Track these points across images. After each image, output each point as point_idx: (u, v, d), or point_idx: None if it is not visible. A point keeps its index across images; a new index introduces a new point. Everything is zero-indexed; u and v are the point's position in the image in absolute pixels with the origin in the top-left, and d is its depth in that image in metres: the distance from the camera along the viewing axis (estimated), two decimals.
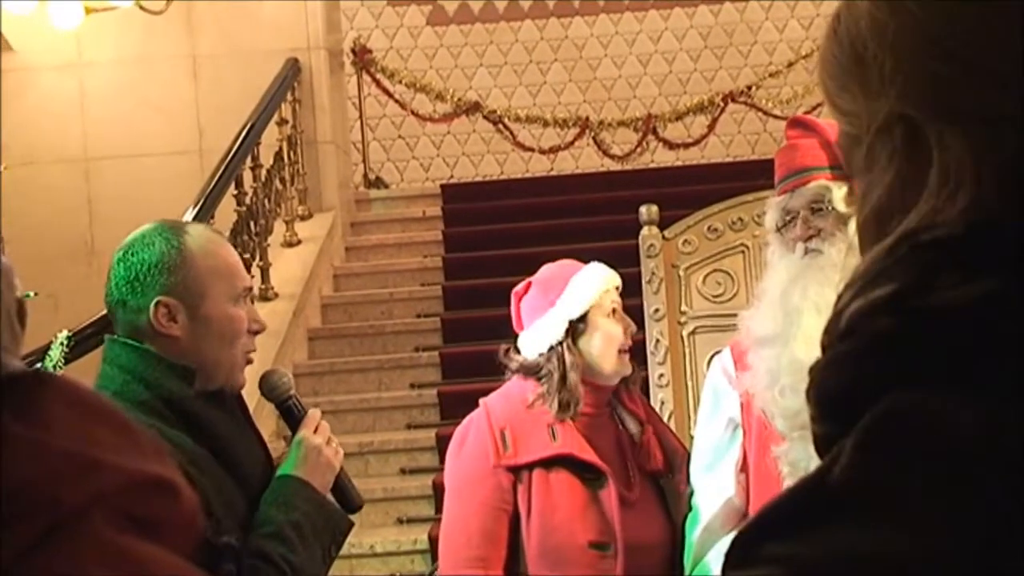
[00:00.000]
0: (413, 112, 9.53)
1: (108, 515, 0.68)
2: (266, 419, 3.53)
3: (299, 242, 7.08)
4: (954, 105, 0.82)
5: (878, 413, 0.76)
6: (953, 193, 0.81)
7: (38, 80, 7.37)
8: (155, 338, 2.03)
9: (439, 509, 3.10)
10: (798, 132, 2.46)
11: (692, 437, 2.69)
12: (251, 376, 2.18)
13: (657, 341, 3.82)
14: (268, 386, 2.18)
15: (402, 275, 7.39)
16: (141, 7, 7.01)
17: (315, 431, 2.14)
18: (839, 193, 2.29)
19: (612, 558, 2.49)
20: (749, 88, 9.78)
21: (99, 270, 2.16)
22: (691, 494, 2.53)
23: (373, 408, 6.12)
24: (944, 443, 0.74)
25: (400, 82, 9.41)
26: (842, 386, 0.80)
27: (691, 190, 6.92)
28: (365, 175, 9.08)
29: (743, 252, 3.84)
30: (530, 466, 2.55)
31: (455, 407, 5.16)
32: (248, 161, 6.46)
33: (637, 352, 2.87)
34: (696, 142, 9.75)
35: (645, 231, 3.93)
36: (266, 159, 6.73)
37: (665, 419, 3.45)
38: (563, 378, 2.59)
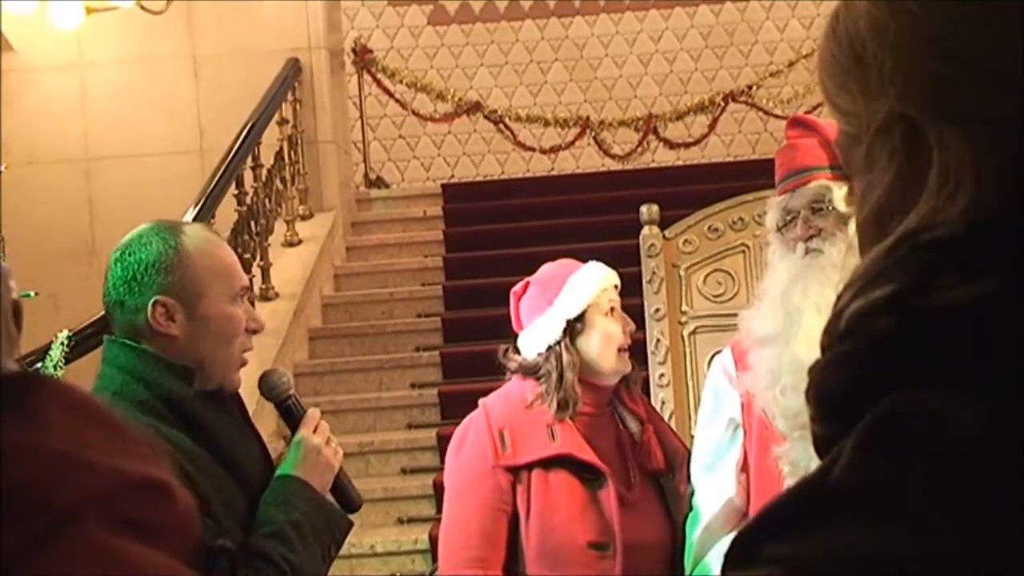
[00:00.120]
0: (414, 112, 9.53)
1: (101, 517, 0.68)
2: (266, 419, 3.53)
3: (300, 242, 7.08)
4: (954, 105, 0.82)
5: (878, 413, 0.76)
6: (953, 193, 0.81)
7: (39, 80, 7.37)
8: (153, 338, 2.03)
9: (440, 509, 3.11)
10: (798, 132, 2.46)
11: (693, 437, 2.69)
12: (251, 376, 2.18)
13: (658, 341, 3.82)
14: (267, 386, 2.18)
15: (403, 275, 7.39)
16: (142, 7, 7.01)
17: (314, 431, 2.14)
18: (839, 193, 2.29)
19: (611, 558, 2.49)
20: (750, 88, 9.78)
21: (100, 270, 2.16)
22: (692, 494, 2.53)
23: (374, 408, 6.12)
24: (944, 443, 0.74)
25: (401, 82, 9.41)
26: (842, 386, 0.80)
27: (692, 190, 6.92)
28: (366, 175, 9.08)
29: (744, 252, 3.84)
30: (529, 466, 2.55)
31: (456, 407, 5.15)
32: (249, 161, 6.46)
33: (637, 352, 2.87)
34: (697, 142, 9.75)
35: (646, 231, 3.93)
36: (267, 159, 6.73)
37: (666, 419, 3.45)
38: (560, 378, 2.59)
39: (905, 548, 0.72)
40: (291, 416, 2.18)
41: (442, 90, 9.61)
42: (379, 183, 9.13)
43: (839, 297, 0.84)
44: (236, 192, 6.22)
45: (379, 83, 9.30)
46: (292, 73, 7.23)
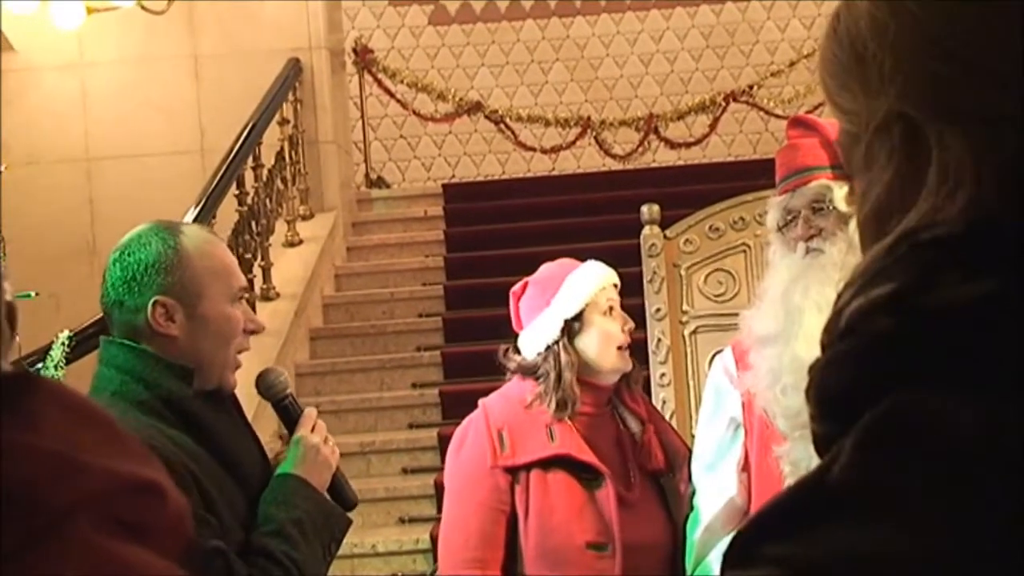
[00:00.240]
0: (415, 112, 9.52)
1: (95, 518, 0.68)
2: (268, 420, 3.53)
3: (301, 242, 7.08)
4: (954, 105, 0.82)
5: (878, 413, 0.76)
6: (952, 192, 0.81)
7: (40, 80, 7.38)
8: (152, 338, 2.03)
9: (441, 509, 3.10)
10: (799, 132, 2.46)
11: (694, 436, 2.69)
12: (251, 376, 2.18)
13: (659, 341, 3.82)
14: (265, 385, 2.18)
15: (404, 275, 7.39)
16: (143, 7, 7.01)
17: (311, 430, 2.15)
18: (840, 192, 2.29)
19: (610, 558, 2.49)
20: (751, 87, 9.77)
21: (101, 270, 2.16)
22: (693, 494, 2.52)
23: (375, 408, 6.12)
24: (944, 443, 0.74)
25: (402, 82, 9.41)
26: (842, 385, 0.80)
27: (692, 189, 6.91)
28: (367, 175, 9.08)
29: (744, 251, 3.84)
30: (528, 467, 2.55)
31: (457, 407, 5.15)
32: (250, 161, 6.46)
33: (638, 352, 2.86)
34: (698, 141, 9.75)
35: (647, 230, 3.93)
36: (268, 159, 6.73)
37: (667, 418, 3.45)
38: (559, 378, 2.58)
39: (905, 548, 0.72)
40: (288, 415, 2.18)
41: (443, 90, 9.61)
42: (380, 183, 9.13)
43: (839, 296, 0.83)
44: (237, 192, 6.22)
45: (380, 83, 9.30)
46: (293, 73, 7.23)
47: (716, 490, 2.45)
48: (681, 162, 9.60)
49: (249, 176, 6.44)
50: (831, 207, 2.32)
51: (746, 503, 2.43)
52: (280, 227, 6.92)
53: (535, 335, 2.64)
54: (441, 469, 3.50)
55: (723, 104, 9.67)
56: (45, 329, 4.37)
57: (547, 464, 2.55)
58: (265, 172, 6.65)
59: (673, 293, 3.84)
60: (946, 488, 0.73)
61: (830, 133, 2.32)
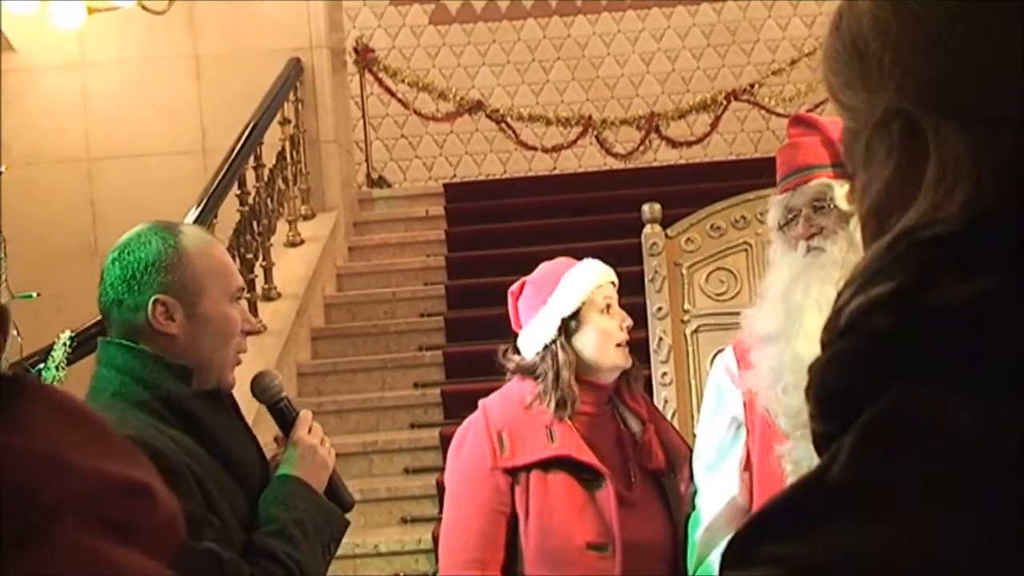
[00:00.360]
0: (416, 111, 9.52)
1: (84, 519, 0.68)
2: (268, 422, 3.53)
3: (302, 242, 7.08)
4: (953, 103, 0.82)
5: (877, 411, 0.76)
6: (951, 188, 0.81)
7: (40, 80, 7.38)
8: (152, 337, 2.03)
9: (443, 508, 3.10)
10: (800, 130, 2.45)
11: (695, 436, 2.68)
12: (250, 378, 2.18)
13: (660, 340, 3.82)
14: (260, 387, 2.19)
15: (405, 274, 7.39)
16: (143, 7, 7.00)
17: (308, 431, 2.15)
18: (841, 191, 2.29)
19: (610, 558, 2.48)
20: (752, 86, 9.77)
21: None
22: (694, 494, 2.52)
23: (376, 407, 6.12)
24: (943, 442, 0.74)
25: (403, 81, 9.41)
26: (841, 384, 0.80)
27: (694, 188, 6.91)
28: (368, 174, 9.08)
29: (746, 250, 3.84)
30: (528, 468, 2.54)
31: (459, 406, 5.15)
32: (251, 161, 6.46)
33: (639, 351, 2.86)
34: (699, 140, 9.75)
35: (648, 229, 3.93)
36: (269, 159, 6.73)
37: (668, 418, 3.45)
38: (557, 377, 2.58)
39: (904, 547, 0.72)
40: (284, 418, 2.19)
41: (444, 89, 9.61)
42: (381, 183, 9.13)
43: (839, 294, 0.83)
44: (238, 192, 6.23)
45: (381, 83, 9.30)
46: (294, 73, 7.23)
47: (717, 490, 2.45)
48: (682, 161, 9.60)
49: (250, 176, 6.44)
50: (832, 205, 2.32)
51: (748, 503, 2.42)
52: (281, 227, 6.92)
53: (533, 334, 2.63)
54: (443, 469, 3.50)
55: (724, 103, 9.67)
56: (47, 330, 4.37)
57: (547, 465, 2.55)
58: (266, 172, 6.66)
59: (674, 292, 3.84)
60: (945, 488, 0.72)
61: (831, 132, 2.32)
